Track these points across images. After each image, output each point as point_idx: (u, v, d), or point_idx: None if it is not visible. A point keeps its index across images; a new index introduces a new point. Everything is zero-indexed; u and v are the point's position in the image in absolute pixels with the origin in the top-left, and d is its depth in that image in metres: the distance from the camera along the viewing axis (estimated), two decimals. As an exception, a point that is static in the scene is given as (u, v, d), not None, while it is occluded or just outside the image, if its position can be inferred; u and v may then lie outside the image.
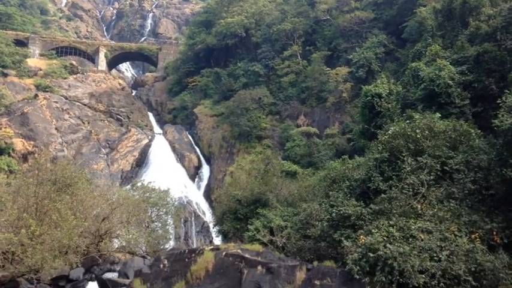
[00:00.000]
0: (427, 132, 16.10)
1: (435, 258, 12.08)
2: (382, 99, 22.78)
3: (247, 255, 15.28)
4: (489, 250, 12.41)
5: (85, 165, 34.61)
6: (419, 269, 11.80)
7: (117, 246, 24.43)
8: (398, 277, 11.78)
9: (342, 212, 14.98)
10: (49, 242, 16.25)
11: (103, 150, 42.33)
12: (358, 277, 12.37)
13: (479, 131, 16.77)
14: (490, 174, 14.06)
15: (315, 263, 14.53)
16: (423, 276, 11.72)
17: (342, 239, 14.26)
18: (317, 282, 13.22)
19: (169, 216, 30.38)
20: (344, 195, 16.49)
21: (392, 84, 24.50)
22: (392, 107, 22.63)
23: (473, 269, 11.88)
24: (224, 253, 15.64)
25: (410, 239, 12.74)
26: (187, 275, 15.32)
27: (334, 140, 36.78)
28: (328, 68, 43.86)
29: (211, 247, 17.02)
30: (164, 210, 29.82)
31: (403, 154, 15.59)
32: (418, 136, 15.92)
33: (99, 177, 33.85)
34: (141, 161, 42.57)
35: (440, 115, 17.75)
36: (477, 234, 12.80)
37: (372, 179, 16.09)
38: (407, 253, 12.06)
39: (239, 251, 15.68)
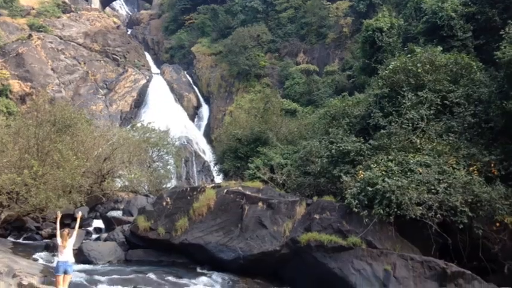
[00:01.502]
0: (428, 66, 15.89)
1: (433, 190, 12.29)
2: (383, 34, 22.32)
3: (248, 192, 15.53)
4: (486, 182, 12.60)
5: (83, 106, 34.46)
6: (416, 201, 12.03)
7: (120, 185, 24.89)
8: (396, 209, 12.03)
9: (341, 149, 15.07)
10: (52, 181, 16.47)
11: (101, 91, 41.98)
12: (356, 210, 12.63)
13: (481, 64, 16.54)
14: (490, 107, 14.04)
15: (315, 198, 14.80)
16: (420, 208, 11.97)
17: (341, 174, 14.44)
18: (316, 216, 13.49)
19: (170, 156, 30.70)
20: (344, 131, 16.54)
21: (393, 17, 23.90)
22: (393, 42, 22.22)
23: (470, 200, 12.11)
24: (225, 190, 15.88)
25: (408, 173, 12.90)
26: (189, 212, 15.65)
27: (334, 77, 36.35)
28: (328, 2, 42.63)
29: (213, 185, 17.28)
30: (165, 150, 30.10)
31: (404, 89, 15.48)
32: (419, 70, 15.73)
33: (98, 118, 33.82)
34: (140, 102, 42.34)
35: (442, 48, 17.43)
36: (475, 166, 12.94)
37: (372, 115, 16.09)
38: (406, 186, 12.24)
39: (240, 188, 15.93)
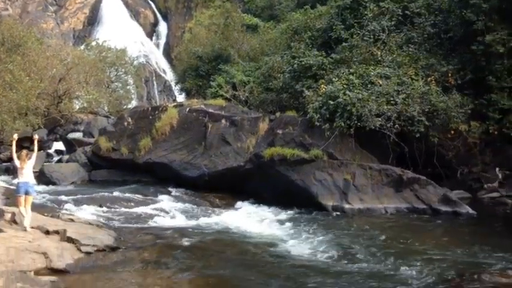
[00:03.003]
0: (390, -25, 15.55)
1: (392, 102, 12.53)
2: None
3: (210, 110, 15.46)
4: (443, 91, 12.91)
5: (33, 24, 32.37)
6: (376, 113, 12.27)
7: (78, 107, 24.28)
8: (356, 122, 12.28)
9: (303, 63, 14.96)
10: (6, 104, 15.85)
11: (50, 8, 39.39)
12: (318, 124, 12.81)
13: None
14: (449, 16, 14.06)
15: (278, 114, 14.89)
16: (379, 119, 12.24)
17: (304, 89, 14.46)
18: (279, 131, 13.64)
19: (129, 76, 29.87)
20: (306, 46, 16.34)
21: None
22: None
23: (427, 110, 12.45)
24: (188, 109, 15.75)
25: (369, 85, 13.04)
26: (152, 132, 15.55)
27: (296, -10, 35.20)
28: None
29: (175, 104, 17.07)
30: (123, 70, 29.19)
31: (366, 0, 15.23)
32: (381, -21, 15.40)
33: (49, 37, 31.99)
34: (93, 19, 40.13)
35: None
36: (433, 77, 13.17)
37: (334, 27, 15.88)
38: (366, 98, 12.41)
39: (203, 106, 15.82)
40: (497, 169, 13.16)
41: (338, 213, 11.59)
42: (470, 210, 11.09)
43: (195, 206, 12.32)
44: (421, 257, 7.74)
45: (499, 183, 12.92)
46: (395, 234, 9.35)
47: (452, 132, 12.82)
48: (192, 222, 10.61)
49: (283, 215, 11.54)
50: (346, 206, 11.81)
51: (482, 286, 6.08)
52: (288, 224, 10.50)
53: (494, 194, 12.62)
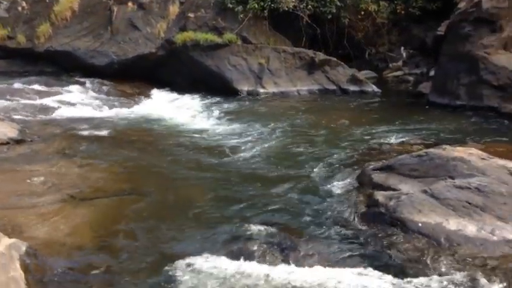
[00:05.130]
0: None
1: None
2: None
3: (115, -6, 14.26)
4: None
5: None
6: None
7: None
8: (270, 3, 12.00)
9: None
10: None
11: None
12: (231, 6, 12.37)
13: None
14: None
15: (188, -4, 14.11)
16: (293, 0, 12.03)
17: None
18: (191, 15, 13.06)
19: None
20: None
21: None
22: None
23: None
24: (89, -10, 14.41)
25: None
26: (51, 16, 14.26)
27: None
28: None
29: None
30: None
31: None
32: None
33: None
34: None
35: None
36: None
37: None
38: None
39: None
40: (402, 48, 13.75)
41: (253, 97, 11.71)
42: (376, 89, 11.68)
43: (106, 96, 11.84)
44: (331, 134, 8.16)
45: (403, 62, 13.58)
46: (308, 115, 9.68)
47: (362, 12, 12.97)
48: (103, 113, 10.25)
49: (199, 101, 11.48)
50: (261, 90, 11.92)
51: (384, 156, 6.56)
52: (203, 110, 10.50)
53: (398, 73, 13.30)
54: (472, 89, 9.24)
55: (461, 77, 9.40)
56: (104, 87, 12.59)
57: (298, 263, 3.89)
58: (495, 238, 4.26)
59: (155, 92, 12.42)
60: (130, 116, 10.06)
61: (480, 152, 5.38)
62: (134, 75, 13.24)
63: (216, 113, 10.16)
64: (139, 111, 10.46)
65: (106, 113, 10.29)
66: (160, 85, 12.85)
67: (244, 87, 12.03)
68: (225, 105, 10.89)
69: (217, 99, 11.60)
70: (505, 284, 3.68)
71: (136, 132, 8.66)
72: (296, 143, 7.68)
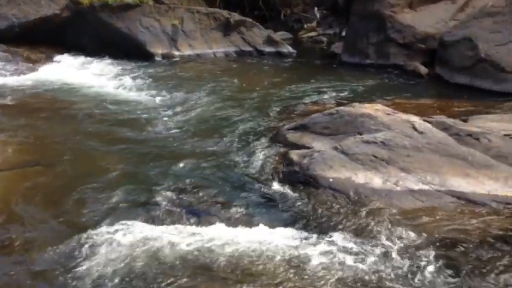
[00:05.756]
0: None
1: None
2: None
3: None
4: None
5: None
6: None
7: None
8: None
9: None
10: None
11: None
12: (140, -36, 11.76)
13: None
14: None
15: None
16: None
17: None
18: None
19: None
20: None
21: None
22: None
23: None
24: None
25: None
26: None
27: None
28: None
29: None
30: None
31: None
32: None
33: None
34: None
35: None
36: None
37: None
38: None
39: None
40: (315, 9, 13.93)
41: (168, 60, 11.36)
42: (291, 50, 11.79)
43: (7, 62, 10.90)
44: (248, 96, 8.15)
45: (317, 23, 13.80)
46: (225, 78, 9.58)
47: (277, -27, 12.93)
48: (4, 80, 9.46)
49: (110, 66, 10.89)
50: (176, 52, 11.59)
51: (299, 116, 6.69)
52: (114, 76, 9.99)
53: (313, 33, 13.51)
54: (380, 48, 9.60)
55: (370, 36, 9.72)
56: (5, 53, 11.58)
57: (210, 226, 3.89)
58: (399, 189, 4.53)
59: (62, 57, 11.63)
60: (34, 82, 9.36)
61: (386, 108, 5.63)
62: (38, 39, 12.27)
63: (128, 78, 9.73)
64: (44, 77, 9.77)
65: (7, 79, 9.52)
66: (68, 49, 12.05)
67: (158, 50, 11.62)
68: (139, 70, 10.47)
69: (130, 63, 11.11)
70: (406, 230, 3.93)
71: (41, 100, 8.10)
72: (213, 107, 7.58)
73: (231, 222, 3.96)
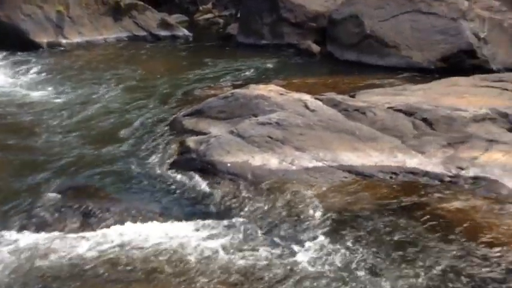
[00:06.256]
0: None
1: None
2: None
3: None
4: None
5: None
6: None
7: None
8: None
9: None
10: None
11: None
12: None
13: None
14: None
15: None
16: None
17: None
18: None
19: None
20: None
21: None
22: None
23: None
24: None
25: None
26: None
27: None
28: None
29: None
30: None
31: None
32: None
33: None
34: None
35: None
36: None
37: None
38: None
39: None
40: (210, -10, 13.77)
41: (55, 49, 10.61)
42: (187, 33, 11.56)
43: None
44: (144, 84, 7.90)
45: (212, 5, 13.65)
46: (118, 65, 9.21)
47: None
48: None
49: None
50: (64, 41, 10.86)
51: (196, 100, 6.59)
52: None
53: (209, 15, 13.35)
54: (274, 28, 9.73)
55: (264, 16, 9.81)
56: None
57: (100, 228, 3.66)
58: (294, 168, 4.62)
59: None
60: None
61: (279, 88, 5.72)
62: None
63: (12, 69, 8.99)
64: None
65: None
66: None
67: (43, 39, 10.80)
68: (22, 62, 9.65)
69: (13, 54, 10.19)
70: (303, 208, 4.03)
71: None
72: (106, 98, 7.24)
73: (126, 220, 3.77)
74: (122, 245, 3.37)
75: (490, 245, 3.35)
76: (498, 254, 3.25)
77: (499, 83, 5.91)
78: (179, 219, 3.87)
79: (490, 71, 7.43)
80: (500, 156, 4.41)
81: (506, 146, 4.56)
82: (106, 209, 3.77)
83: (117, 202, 4.04)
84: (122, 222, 3.73)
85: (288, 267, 3.26)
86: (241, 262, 3.27)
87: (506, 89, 5.70)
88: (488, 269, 3.13)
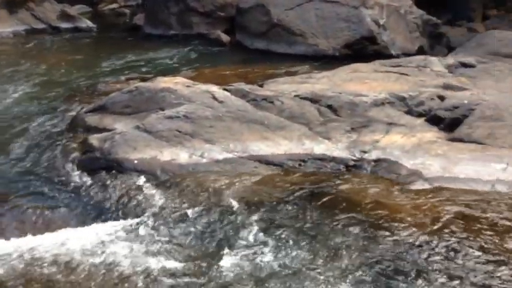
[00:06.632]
0: None
1: None
2: None
3: None
4: None
5: None
6: None
7: None
8: None
9: None
10: None
11: None
12: None
13: None
14: None
15: None
16: None
17: None
18: None
19: None
20: None
21: None
22: None
23: None
24: None
25: None
26: None
27: None
28: None
29: None
30: None
31: None
32: None
33: None
34: None
35: None
36: None
37: None
38: None
39: None
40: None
41: None
42: (91, 24, 11.01)
43: None
44: (43, 80, 7.42)
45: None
46: (13, 60, 8.55)
47: None
48: None
49: None
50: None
51: (99, 95, 6.30)
52: None
53: (114, 5, 12.81)
54: (182, 18, 9.53)
55: (170, 6, 9.56)
56: None
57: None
58: (205, 161, 4.55)
59: None
60: None
61: (185, 80, 5.59)
62: None
63: None
64: None
65: None
66: None
67: None
68: None
69: None
70: (214, 201, 3.97)
71: None
72: (1, 96, 6.69)
73: (28, 230, 3.50)
74: (20, 256, 3.13)
75: (390, 222, 3.51)
76: (398, 231, 3.42)
77: (397, 68, 6.20)
78: (81, 224, 3.66)
79: (390, 56, 7.81)
80: (399, 138, 4.64)
81: (404, 128, 4.81)
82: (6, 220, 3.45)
83: (20, 212, 3.72)
84: (25, 234, 3.46)
85: (198, 262, 3.20)
86: (147, 265, 3.15)
87: (404, 74, 6.00)
88: (388, 245, 3.28)
